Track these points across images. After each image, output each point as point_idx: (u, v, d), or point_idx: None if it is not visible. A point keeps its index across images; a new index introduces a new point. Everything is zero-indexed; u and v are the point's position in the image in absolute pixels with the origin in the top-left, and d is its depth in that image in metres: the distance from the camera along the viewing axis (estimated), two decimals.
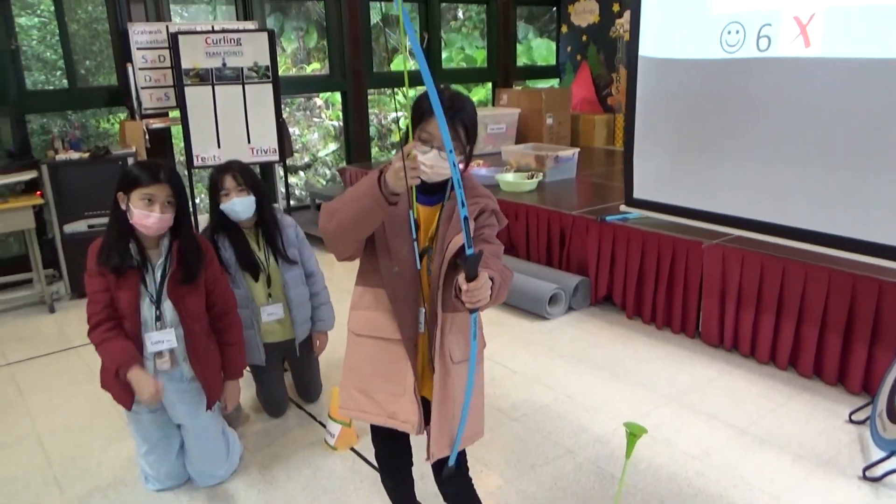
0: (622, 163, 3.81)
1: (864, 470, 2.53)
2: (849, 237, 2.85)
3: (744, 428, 2.87)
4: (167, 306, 2.27)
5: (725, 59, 3.05)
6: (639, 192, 3.73)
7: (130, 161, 4.68)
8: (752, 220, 3.19)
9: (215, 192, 2.75)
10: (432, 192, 1.73)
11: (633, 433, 1.68)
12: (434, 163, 1.64)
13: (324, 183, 9.64)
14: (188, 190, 5.22)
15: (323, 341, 3.11)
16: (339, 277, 3.58)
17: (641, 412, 3.01)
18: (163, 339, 2.27)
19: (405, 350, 1.73)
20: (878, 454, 2.56)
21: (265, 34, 5.02)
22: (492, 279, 1.52)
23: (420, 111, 1.67)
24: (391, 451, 1.96)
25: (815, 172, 2.90)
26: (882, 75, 2.53)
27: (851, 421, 2.89)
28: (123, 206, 2.18)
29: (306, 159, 10.25)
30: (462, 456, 1.86)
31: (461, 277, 1.47)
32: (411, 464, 2.00)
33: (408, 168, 1.48)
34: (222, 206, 2.73)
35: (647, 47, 3.42)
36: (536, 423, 2.94)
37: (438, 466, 1.81)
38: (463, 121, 1.65)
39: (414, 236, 1.68)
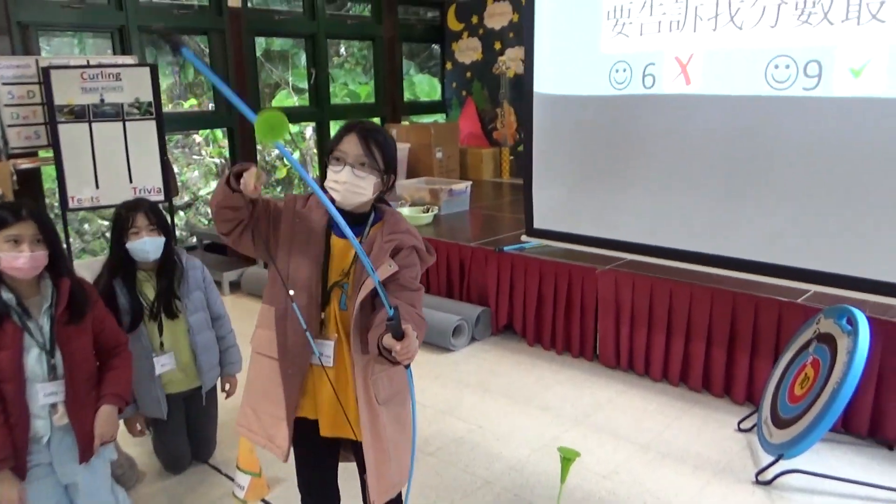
0: (522, 194, 3.96)
1: (756, 475, 2.73)
2: (729, 256, 3.12)
3: (646, 444, 3.01)
4: (58, 354, 2.08)
5: (615, 96, 3.28)
6: (539, 223, 3.89)
7: None
8: (644, 244, 3.42)
9: (122, 229, 2.58)
10: (354, 223, 1.70)
11: (567, 457, 1.73)
12: (347, 179, 1.64)
13: (206, 223, 9.28)
14: (62, 233, 4.88)
15: (233, 384, 2.98)
16: (245, 320, 3.46)
17: (551, 436, 3.09)
18: (56, 390, 2.06)
19: (282, 374, 1.73)
20: (767, 459, 2.77)
21: (147, 69, 4.82)
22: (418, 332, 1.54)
23: (337, 137, 1.70)
24: (318, 488, 1.91)
25: (698, 199, 3.16)
26: (753, 111, 2.82)
27: (740, 429, 3.11)
28: None
29: (186, 198, 9.84)
30: (399, 499, 1.84)
31: (388, 338, 1.47)
32: (339, 501, 1.95)
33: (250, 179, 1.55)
34: (131, 245, 2.57)
35: (542, 84, 3.61)
36: (451, 455, 2.95)
37: None
38: (377, 140, 1.68)
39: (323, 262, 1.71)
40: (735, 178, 3.00)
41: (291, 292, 1.69)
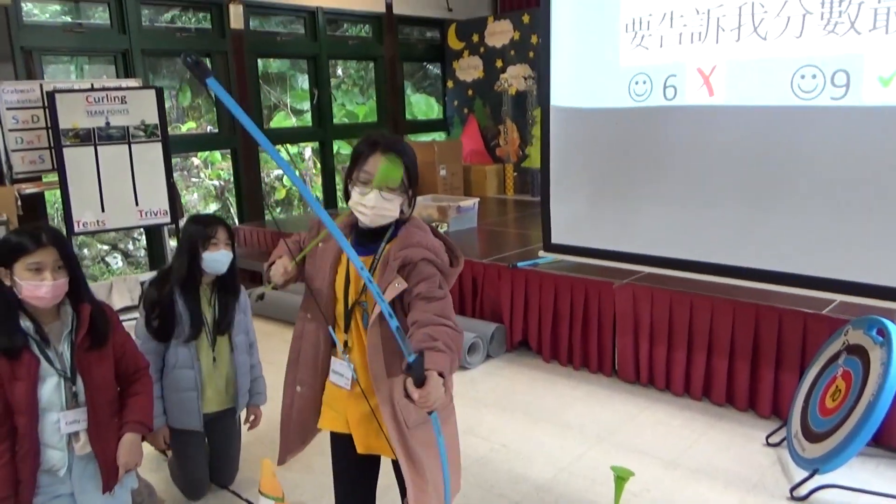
0: (530, 210, 3.93)
1: (791, 490, 2.66)
2: (753, 268, 3.08)
3: (673, 461, 2.95)
4: (79, 381, 2.00)
5: (635, 108, 3.26)
6: (557, 237, 3.85)
7: (1, 230, 4.27)
8: (666, 257, 3.37)
9: (200, 241, 2.59)
10: (368, 242, 1.69)
11: (621, 476, 1.69)
12: (375, 203, 1.61)
13: None
14: None
15: (258, 415, 2.92)
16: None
17: (575, 455, 3.03)
18: (79, 418, 1.98)
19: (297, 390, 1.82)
20: (799, 474, 2.71)
21: (152, 91, 4.79)
22: (442, 375, 1.46)
23: (356, 153, 1.66)
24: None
25: (721, 211, 3.14)
26: (778, 121, 2.80)
27: (769, 444, 3.05)
28: (7, 282, 1.90)
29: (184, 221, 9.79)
30: None
31: (409, 383, 1.41)
32: None
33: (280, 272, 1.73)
34: (209, 255, 2.59)
35: (559, 97, 3.59)
36: (475, 476, 2.88)
37: None
38: (403, 161, 1.64)
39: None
40: (759, 188, 2.97)
41: (308, 315, 1.78)
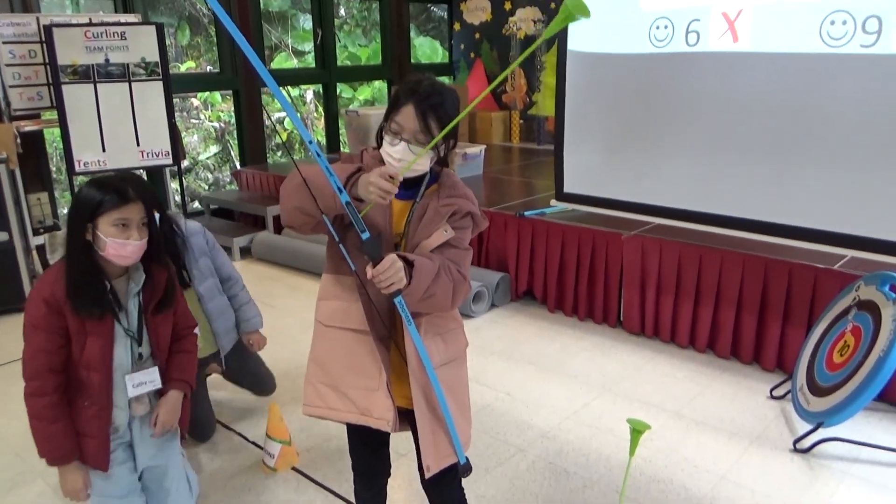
0: (553, 157, 3.85)
1: (795, 443, 2.69)
2: (766, 221, 3.04)
3: (677, 411, 2.97)
4: (146, 342, 1.92)
5: (654, 54, 3.15)
6: (569, 187, 3.79)
7: (2, 168, 4.20)
8: (680, 209, 3.32)
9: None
10: (408, 187, 1.62)
11: (637, 429, 1.68)
12: (402, 156, 1.56)
13: (206, 188, 9.15)
14: (71, 199, 4.77)
15: (257, 339, 2.90)
16: (258, 284, 3.38)
17: (580, 404, 3.05)
18: (145, 379, 1.90)
19: (376, 343, 1.64)
20: (803, 427, 2.73)
21: (153, 28, 4.65)
22: (410, 266, 1.49)
23: (394, 100, 1.59)
24: (369, 458, 1.85)
25: (739, 162, 3.07)
26: (805, 69, 2.71)
27: (773, 397, 3.07)
28: (89, 237, 1.76)
29: (186, 163, 9.68)
30: (454, 465, 1.77)
31: (369, 266, 1.46)
32: (389, 473, 1.90)
33: (382, 189, 1.46)
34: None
35: (576, 42, 3.47)
36: (482, 423, 2.90)
37: (432, 480, 1.72)
38: (437, 115, 1.55)
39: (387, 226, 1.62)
40: (780, 140, 2.89)
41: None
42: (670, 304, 3.57)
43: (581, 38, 3.44)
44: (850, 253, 2.99)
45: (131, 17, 5.08)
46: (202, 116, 9.86)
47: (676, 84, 3.11)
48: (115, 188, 1.74)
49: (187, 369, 2.04)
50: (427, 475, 1.67)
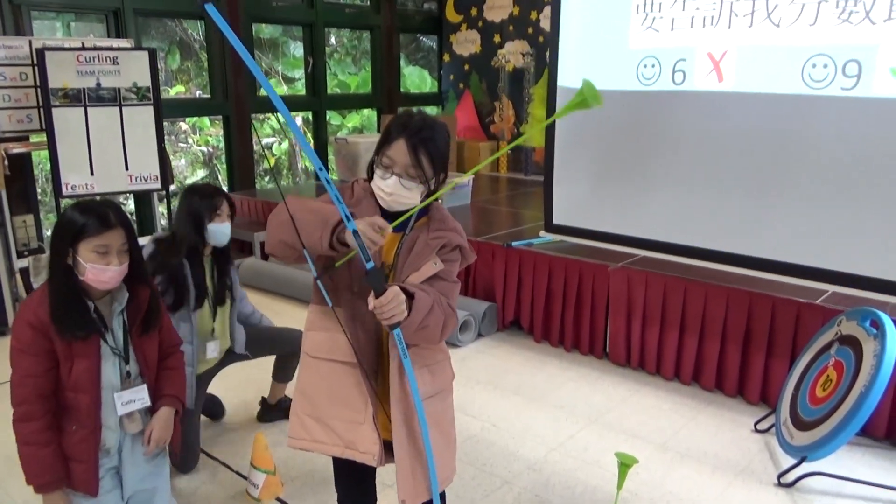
0: (542, 190, 3.90)
1: (779, 477, 2.70)
2: (749, 255, 3.10)
3: (663, 444, 2.98)
4: (132, 360, 1.93)
5: (642, 91, 3.23)
6: (558, 218, 3.83)
7: None
8: (666, 242, 3.37)
9: (207, 212, 2.60)
10: (394, 220, 1.61)
11: (625, 463, 1.69)
12: (393, 190, 1.58)
13: None
14: (56, 220, 4.74)
15: None
16: None
17: (566, 435, 3.05)
18: (134, 397, 1.90)
19: (363, 376, 1.65)
20: (787, 461, 2.75)
21: (145, 53, 4.69)
22: (411, 298, 1.49)
23: (386, 134, 1.62)
24: (355, 490, 1.85)
25: (723, 198, 3.15)
26: (787, 109, 2.78)
27: (757, 430, 3.08)
28: (70, 261, 1.78)
29: (174, 187, 9.66)
30: (442, 498, 1.77)
31: (371, 297, 1.44)
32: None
33: (370, 238, 1.45)
34: (214, 227, 2.62)
35: (566, 77, 3.55)
36: (468, 454, 2.89)
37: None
38: (428, 150, 1.58)
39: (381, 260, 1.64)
40: (764, 177, 2.96)
41: (356, 288, 1.63)
42: (656, 336, 3.60)
43: (571, 73, 3.53)
44: (832, 288, 3.04)
45: (124, 43, 5.11)
46: (190, 140, 9.87)
47: (663, 121, 3.18)
48: (96, 214, 1.76)
49: (177, 386, 2.05)
50: None
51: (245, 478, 2.66)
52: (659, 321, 3.57)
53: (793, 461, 2.69)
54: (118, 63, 4.61)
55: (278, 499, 2.60)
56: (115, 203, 1.88)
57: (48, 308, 1.75)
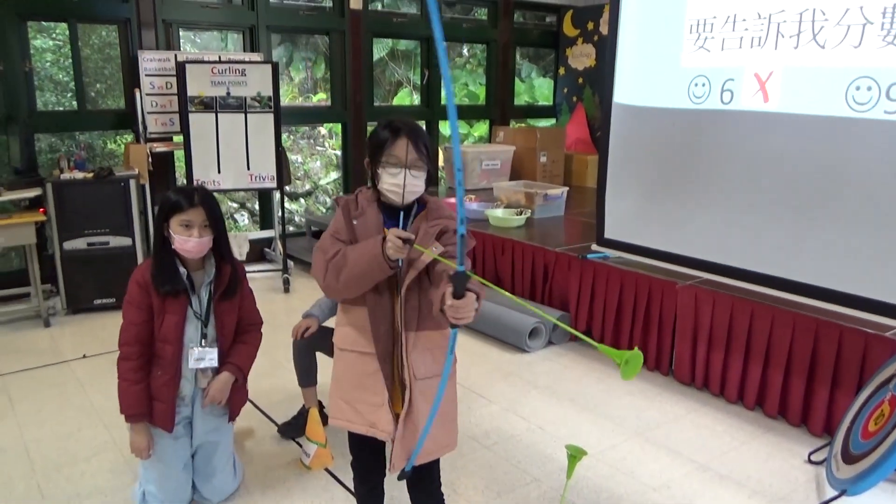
0: (595, 203, 3.98)
1: None
2: (800, 281, 3.02)
3: (705, 464, 2.96)
4: (211, 325, 2.39)
5: (692, 110, 3.23)
6: (610, 233, 3.89)
7: (133, 183, 4.86)
8: (716, 263, 3.34)
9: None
10: (395, 216, 1.86)
11: (574, 455, 1.79)
12: (408, 182, 1.79)
13: (323, 210, 9.81)
14: None
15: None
16: None
17: (608, 445, 3.11)
18: (205, 356, 2.37)
19: (380, 363, 1.86)
20: (831, 493, 2.66)
21: (269, 66, 5.22)
22: (477, 296, 1.59)
23: (380, 140, 1.83)
24: (367, 457, 2.06)
25: (772, 220, 3.07)
26: (831, 132, 2.70)
27: (811, 461, 2.98)
28: (166, 234, 2.28)
29: (307, 187, 10.46)
30: (437, 471, 1.98)
31: (448, 292, 1.54)
32: (384, 473, 2.10)
33: (400, 245, 1.68)
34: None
35: (622, 94, 3.61)
36: (507, 451, 3.04)
37: (414, 482, 1.94)
38: (424, 142, 1.84)
39: (399, 264, 1.81)
40: (809, 200, 2.89)
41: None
42: (721, 356, 3.54)
43: (625, 91, 3.57)
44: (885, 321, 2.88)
45: (255, 56, 5.70)
46: (326, 144, 10.64)
47: (711, 140, 3.16)
48: (184, 195, 2.25)
49: (243, 357, 2.49)
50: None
51: (301, 446, 2.98)
52: (724, 341, 3.52)
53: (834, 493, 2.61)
54: (245, 74, 5.17)
55: (327, 469, 2.88)
56: (203, 188, 2.35)
57: (151, 269, 2.24)
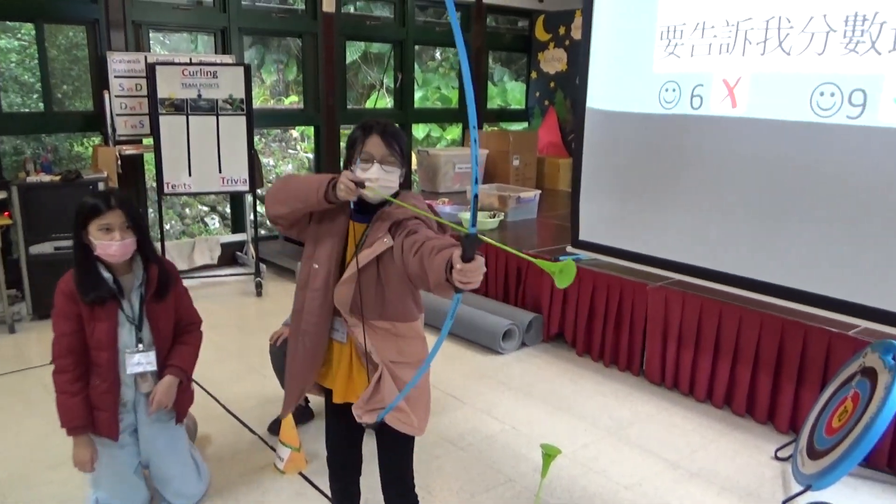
0: (570, 206, 4.03)
1: (783, 503, 2.69)
2: (767, 282, 3.09)
3: (675, 461, 3.01)
4: (146, 328, 2.33)
5: (663, 115, 3.30)
6: (584, 235, 3.94)
7: (101, 186, 4.79)
8: (687, 264, 3.41)
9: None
10: (366, 211, 1.87)
11: (549, 454, 1.82)
12: (379, 175, 1.81)
13: None
14: (158, 216, 5.33)
15: None
16: None
17: (580, 444, 3.15)
18: (143, 360, 2.31)
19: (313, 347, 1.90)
20: (798, 489, 2.72)
21: (241, 68, 5.18)
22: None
23: (353, 138, 1.87)
24: (342, 452, 2.07)
25: (739, 222, 3.15)
26: (796, 137, 2.78)
27: (777, 458, 3.05)
28: (86, 240, 2.21)
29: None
30: (410, 474, 1.99)
31: (457, 254, 1.48)
32: (359, 470, 2.11)
33: (351, 187, 1.71)
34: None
35: (595, 99, 3.67)
36: (481, 452, 3.06)
37: (387, 484, 1.95)
38: (397, 140, 1.86)
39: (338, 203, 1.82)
40: (776, 204, 2.97)
41: (316, 266, 1.87)
42: (690, 356, 3.61)
43: (598, 96, 3.63)
44: (863, 323, 2.96)
45: (226, 58, 5.66)
46: (298, 147, 10.58)
47: (681, 144, 3.23)
48: (100, 198, 2.18)
49: (185, 359, 2.41)
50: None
51: (274, 450, 2.97)
52: (694, 341, 3.58)
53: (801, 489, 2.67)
54: (217, 77, 5.13)
55: (301, 473, 2.87)
56: (119, 191, 2.31)
57: (73, 278, 2.17)
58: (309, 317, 1.89)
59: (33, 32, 5.27)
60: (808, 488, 2.62)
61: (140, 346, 2.30)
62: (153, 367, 2.32)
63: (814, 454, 2.70)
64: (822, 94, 2.66)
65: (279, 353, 3.02)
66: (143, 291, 2.30)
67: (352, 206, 1.87)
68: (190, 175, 5.22)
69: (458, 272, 1.47)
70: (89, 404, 2.23)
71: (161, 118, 5.06)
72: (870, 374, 2.67)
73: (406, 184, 1.94)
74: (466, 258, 1.46)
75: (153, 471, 2.48)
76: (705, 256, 3.31)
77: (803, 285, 2.93)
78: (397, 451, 1.98)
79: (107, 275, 2.23)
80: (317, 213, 1.90)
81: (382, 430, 1.91)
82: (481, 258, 1.48)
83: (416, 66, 7.80)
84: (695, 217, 3.33)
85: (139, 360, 2.29)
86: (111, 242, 2.17)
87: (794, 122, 2.78)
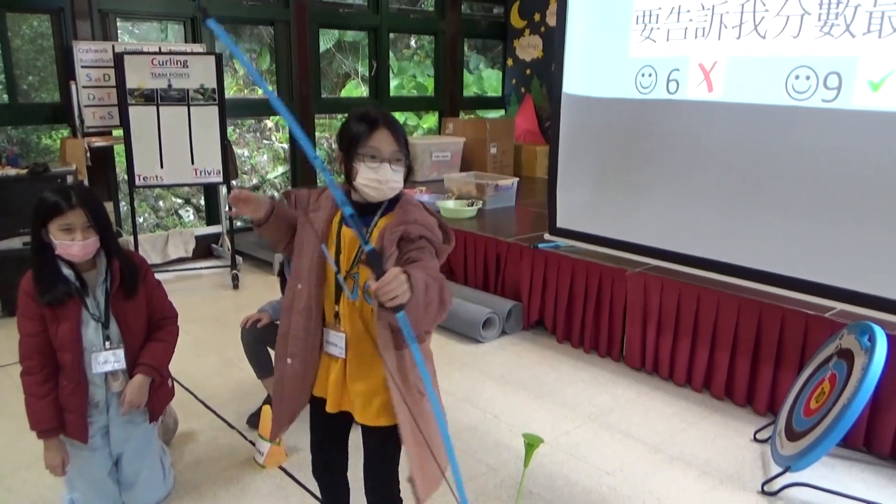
0: (546, 193, 4.01)
1: (763, 485, 2.71)
2: (743, 266, 3.11)
3: (656, 446, 3.03)
4: (113, 326, 2.23)
5: (640, 100, 3.30)
6: (562, 222, 3.93)
7: (70, 179, 4.68)
8: (664, 249, 3.42)
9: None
10: (364, 214, 1.71)
11: (531, 443, 1.81)
12: (389, 177, 1.66)
13: None
14: (131, 209, 5.22)
15: None
16: None
17: (561, 431, 3.15)
18: (111, 359, 2.21)
19: (304, 369, 1.79)
20: (777, 470, 2.75)
21: (213, 57, 5.08)
22: (409, 279, 1.43)
23: (356, 132, 1.67)
24: (325, 450, 2.01)
25: (717, 206, 3.16)
26: (772, 120, 2.79)
27: (756, 440, 3.08)
28: (46, 239, 2.10)
29: (255, 181, 10.26)
30: (395, 477, 1.94)
31: (371, 279, 1.39)
32: (346, 468, 2.05)
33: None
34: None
35: (571, 85, 3.65)
36: (463, 441, 3.05)
37: (370, 483, 1.91)
38: (404, 135, 1.71)
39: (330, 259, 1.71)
40: (752, 187, 2.99)
41: (299, 285, 1.74)
42: (669, 341, 3.63)
43: (575, 81, 3.62)
44: (839, 305, 3.00)
45: (197, 47, 5.55)
46: (273, 137, 10.45)
47: (658, 129, 3.23)
48: (60, 196, 2.05)
49: (157, 356, 2.31)
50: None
51: (254, 445, 2.93)
52: (673, 326, 3.60)
53: (780, 470, 2.70)
54: (188, 66, 5.02)
55: (281, 467, 2.84)
56: (81, 185, 2.20)
57: (31, 278, 2.08)
58: (295, 340, 1.78)
59: None
60: (787, 469, 2.65)
61: (108, 343, 2.21)
62: (122, 365, 2.23)
63: (792, 436, 2.73)
64: (797, 77, 2.67)
65: (251, 339, 2.98)
66: (108, 287, 2.20)
67: (347, 209, 1.52)
68: (162, 167, 5.11)
69: (377, 291, 1.38)
70: (59, 406, 2.15)
71: (130, 108, 4.94)
72: (846, 355, 2.69)
73: (409, 174, 1.79)
74: (378, 275, 1.38)
75: (119, 471, 2.41)
76: (683, 241, 3.32)
77: (780, 269, 2.95)
78: (384, 457, 1.90)
79: (68, 272, 2.13)
80: (299, 227, 1.80)
81: (370, 432, 1.84)
82: (396, 269, 1.41)
83: (391, 54, 7.72)
84: (672, 202, 3.34)
85: (106, 359, 2.19)
86: (73, 243, 2.06)
87: (769, 105, 2.79)
